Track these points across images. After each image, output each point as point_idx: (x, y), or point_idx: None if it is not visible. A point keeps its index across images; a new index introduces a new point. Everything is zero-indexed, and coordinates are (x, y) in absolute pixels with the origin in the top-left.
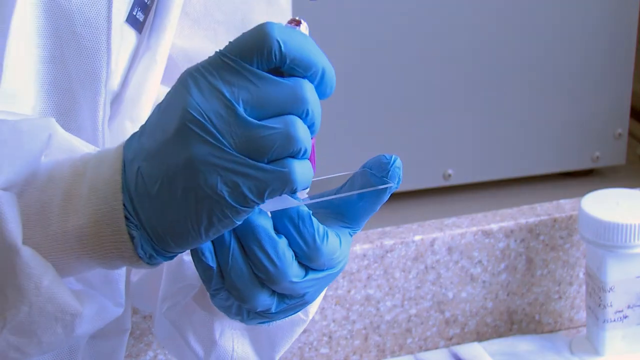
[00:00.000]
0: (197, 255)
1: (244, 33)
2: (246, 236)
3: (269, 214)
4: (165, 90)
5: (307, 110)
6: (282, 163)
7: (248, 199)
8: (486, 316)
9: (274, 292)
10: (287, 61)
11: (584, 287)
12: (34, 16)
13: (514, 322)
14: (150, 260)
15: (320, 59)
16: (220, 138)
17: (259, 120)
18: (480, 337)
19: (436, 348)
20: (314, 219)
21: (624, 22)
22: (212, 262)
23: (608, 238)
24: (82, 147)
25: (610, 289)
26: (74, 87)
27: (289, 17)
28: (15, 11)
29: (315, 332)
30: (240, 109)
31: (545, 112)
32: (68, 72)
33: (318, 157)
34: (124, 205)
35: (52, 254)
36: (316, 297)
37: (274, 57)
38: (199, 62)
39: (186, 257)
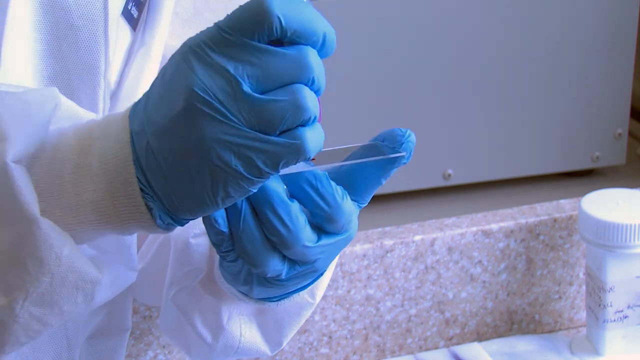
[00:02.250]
0: (209, 221)
1: (241, 5)
2: (258, 200)
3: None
4: None
5: (313, 78)
6: (293, 134)
7: (263, 171)
8: (486, 316)
9: (285, 258)
10: (288, 34)
11: (584, 287)
12: (30, 10)
13: (514, 322)
14: (168, 227)
15: (320, 25)
16: (230, 115)
17: (265, 94)
18: (480, 337)
19: (436, 348)
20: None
21: (624, 22)
22: (224, 227)
23: (608, 238)
24: (86, 115)
25: (610, 289)
26: (72, 80)
27: None
28: (10, 5)
29: (315, 332)
30: (246, 85)
31: (545, 112)
32: (66, 66)
33: None
34: (137, 177)
35: (68, 225)
36: (327, 266)
37: (275, 32)
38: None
39: (192, 240)
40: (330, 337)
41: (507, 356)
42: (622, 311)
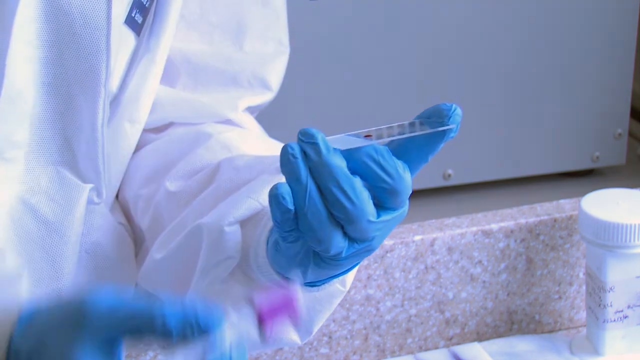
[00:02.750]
0: (275, 199)
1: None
2: (323, 176)
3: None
4: (163, 89)
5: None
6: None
7: None
8: (486, 316)
9: (345, 235)
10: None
11: (584, 287)
12: (33, 17)
13: (514, 322)
14: None
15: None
16: None
17: None
18: (480, 337)
19: (436, 348)
20: None
21: (624, 22)
22: (290, 204)
23: (608, 238)
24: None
25: (610, 289)
26: (72, 88)
27: (284, 20)
28: (17, 11)
29: (315, 332)
30: None
31: (545, 112)
32: (67, 73)
33: None
34: None
35: None
36: (380, 243)
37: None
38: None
39: (227, 228)
40: (330, 337)
41: (507, 356)
42: (622, 311)
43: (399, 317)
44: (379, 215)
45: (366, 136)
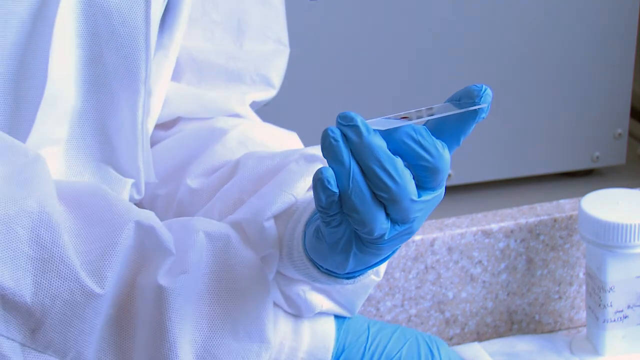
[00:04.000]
0: (321, 183)
1: None
2: (365, 157)
3: None
4: (171, 84)
5: None
6: None
7: None
8: (486, 316)
9: (388, 216)
10: None
11: (584, 287)
12: (73, 16)
13: (514, 322)
14: None
15: None
16: None
17: None
18: (480, 337)
19: None
20: None
21: (624, 22)
22: (335, 187)
23: (608, 238)
24: None
25: (610, 289)
26: (113, 86)
27: (283, 19)
28: (58, 12)
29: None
30: None
31: (545, 112)
32: (107, 72)
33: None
34: None
35: None
36: (420, 225)
37: None
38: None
39: (266, 223)
40: None
41: (507, 356)
42: (622, 311)
43: (399, 317)
44: (419, 195)
45: (402, 118)
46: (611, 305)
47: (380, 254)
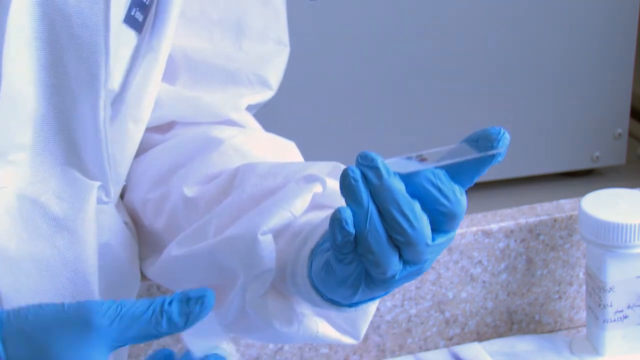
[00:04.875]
0: (339, 223)
1: None
2: (384, 200)
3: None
4: (163, 87)
5: None
6: None
7: None
8: (486, 316)
9: (401, 257)
10: None
11: (584, 287)
12: (31, 19)
13: (514, 322)
14: None
15: None
16: None
17: None
18: (480, 337)
19: (436, 348)
20: None
21: (624, 22)
22: (352, 228)
23: (608, 238)
24: None
25: (610, 289)
26: (74, 89)
27: (284, 18)
28: (10, 15)
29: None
30: None
31: (545, 112)
32: (68, 75)
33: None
34: None
35: None
36: (430, 266)
37: None
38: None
39: (261, 237)
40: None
41: (507, 356)
42: (622, 311)
43: (399, 317)
44: (434, 239)
45: (421, 160)
46: (611, 305)
47: (388, 290)
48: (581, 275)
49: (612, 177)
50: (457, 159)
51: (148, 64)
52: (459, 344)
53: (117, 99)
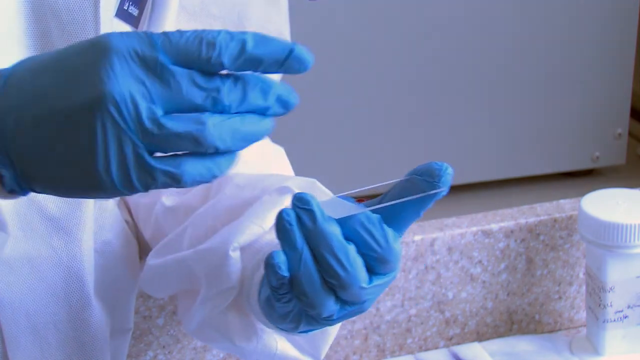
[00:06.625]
0: (272, 268)
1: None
2: (318, 243)
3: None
4: None
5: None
6: (174, 162)
7: (134, 188)
8: (486, 316)
9: (338, 299)
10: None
11: (584, 287)
12: (21, 16)
13: (514, 322)
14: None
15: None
16: (131, 127)
17: (171, 116)
18: (480, 337)
19: (436, 348)
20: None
21: (624, 22)
22: (286, 272)
23: (608, 238)
24: None
25: (610, 289)
26: None
27: (286, 12)
28: None
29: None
30: (158, 108)
31: (545, 112)
32: None
33: (320, 158)
34: None
35: None
36: (371, 305)
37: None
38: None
39: (232, 253)
40: None
41: (507, 356)
42: (622, 311)
43: (399, 317)
44: (371, 281)
45: (358, 200)
46: (611, 305)
47: (330, 325)
48: (581, 275)
49: (612, 177)
50: (394, 201)
51: None
52: (459, 344)
53: None
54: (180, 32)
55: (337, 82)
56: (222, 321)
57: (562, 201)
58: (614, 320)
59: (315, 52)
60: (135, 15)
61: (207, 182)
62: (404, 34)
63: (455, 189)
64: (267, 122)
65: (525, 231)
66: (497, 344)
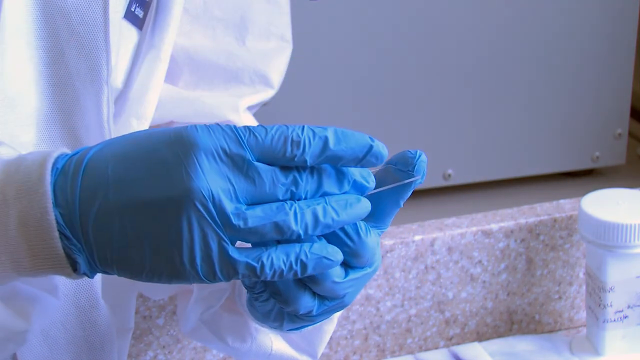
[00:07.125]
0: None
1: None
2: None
3: None
4: (165, 87)
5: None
6: (253, 254)
7: (217, 277)
8: (486, 316)
9: (315, 294)
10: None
11: (584, 287)
12: (30, 18)
13: (514, 322)
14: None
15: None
16: (218, 221)
17: (254, 208)
18: (480, 337)
19: (436, 348)
20: None
21: (624, 22)
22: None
23: (608, 238)
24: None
25: (610, 289)
26: (76, 86)
27: (288, 14)
28: (6, 14)
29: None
30: (242, 204)
31: (545, 112)
32: (69, 72)
33: None
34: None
35: None
36: (354, 298)
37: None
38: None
39: None
40: (330, 337)
41: (507, 356)
42: (622, 311)
43: (399, 317)
44: (347, 275)
45: None
46: (611, 305)
47: (314, 322)
48: (581, 275)
49: (612, 177)
50: (369, 192)
51: (150, 61)
52: (459, 344)
53: (121, 96)
54: (264, 128)
55: (337, 82)
56: (217, 322)
57: (562, 201)
58: (614, 320)
59: (315, 52)
60: (141, 17)
61: (289, 275)
62: (405, 33)
63: (455, 189)
64: (352, 209)
65: (525, 231)
66: (497, 344)
